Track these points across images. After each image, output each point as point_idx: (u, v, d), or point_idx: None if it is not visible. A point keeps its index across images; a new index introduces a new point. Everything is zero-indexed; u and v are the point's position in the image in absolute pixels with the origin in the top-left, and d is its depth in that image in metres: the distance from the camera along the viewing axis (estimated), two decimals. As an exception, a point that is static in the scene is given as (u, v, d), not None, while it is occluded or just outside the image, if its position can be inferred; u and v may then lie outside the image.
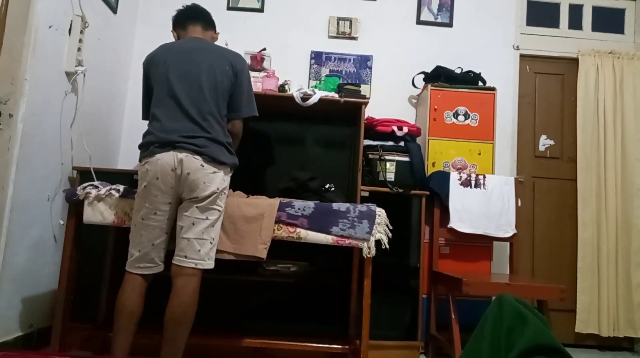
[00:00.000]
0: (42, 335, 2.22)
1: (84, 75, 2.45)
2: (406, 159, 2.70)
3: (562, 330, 3.00)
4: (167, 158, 1.77)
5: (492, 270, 2.81)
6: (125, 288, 1.80)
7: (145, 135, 1.86)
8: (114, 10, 2.87)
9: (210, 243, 1.83)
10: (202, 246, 1.79)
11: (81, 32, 2.40)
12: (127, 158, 3.04)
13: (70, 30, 2.36)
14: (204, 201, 1.79)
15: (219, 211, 1.86)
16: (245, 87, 1.97)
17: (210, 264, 1.83)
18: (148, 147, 1.81)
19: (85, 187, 2.01)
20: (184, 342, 1.77)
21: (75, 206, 2.04)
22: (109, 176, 2.32)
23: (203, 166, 1.79)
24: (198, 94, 1.84)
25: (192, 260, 1.78)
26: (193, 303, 1.78)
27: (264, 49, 2.84)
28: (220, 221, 1.88)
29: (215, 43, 2.08)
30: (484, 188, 2.69)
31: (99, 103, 2.76)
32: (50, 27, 2.21)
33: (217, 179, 1.82)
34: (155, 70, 1.90)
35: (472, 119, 2.90)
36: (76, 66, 2.38)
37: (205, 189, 1.78)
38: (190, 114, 1.81)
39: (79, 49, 2.39)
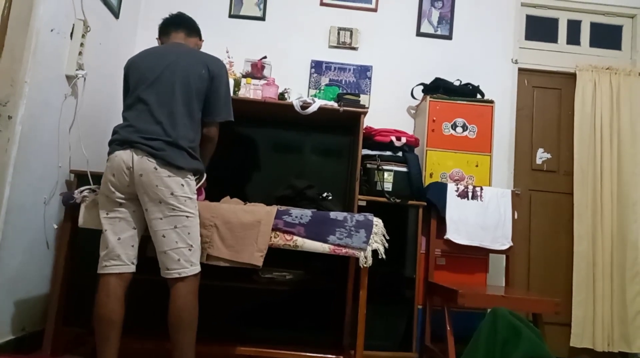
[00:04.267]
0: (34, 338, 2.20)
1: (84, 79, 2.45)
2: (404, 169, 2.71)
3: (556, 344, 2.98)
4: (123, 156, 1.77)
5: (488, 282, 2.80)
6: (100, 295, 1.76)
7: (112, 134, 1.88)
8: (116, 15, 2.88)
9: (189, 249, 1.79)
10: (180, 255, 1.77)
11: (83, 36, 2.41)
12: (124, 162, 3.04)
13: (72, 33, 2.37)
14: (161, 206, 1.75)
15: (187, 216, 1.80)
16: (222, 91, 1.95)
17: (195, 269, 1.80)
18: (110, 145, 1.84)
19: (83, 191, 2.01)
20: (191, 346, 1.77)
21: (71, 209, 2.03)
22: (107, 180, 2.31)
23: (156, 169, 1.75)
24: (169, 97, 1.84)
25: (175, 270, 1.77)
26: (188, 307, 1.77)
27: (265, 57, 2.84)
28: (194, 225, 1.83)
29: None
30: (480, 199, 2.70)
31: (98, 107, 2.76)
32: (52, 30, 2.21)
33: (172, 183, 1.77)
34: (133, 73, 1.92)
35: (470, 131, 2.92)
36: (77, 70, 2.38)
37: (157, 193, 1.75)
38: (157, 118, 1.80)
39: (80, 53, 2.40)
